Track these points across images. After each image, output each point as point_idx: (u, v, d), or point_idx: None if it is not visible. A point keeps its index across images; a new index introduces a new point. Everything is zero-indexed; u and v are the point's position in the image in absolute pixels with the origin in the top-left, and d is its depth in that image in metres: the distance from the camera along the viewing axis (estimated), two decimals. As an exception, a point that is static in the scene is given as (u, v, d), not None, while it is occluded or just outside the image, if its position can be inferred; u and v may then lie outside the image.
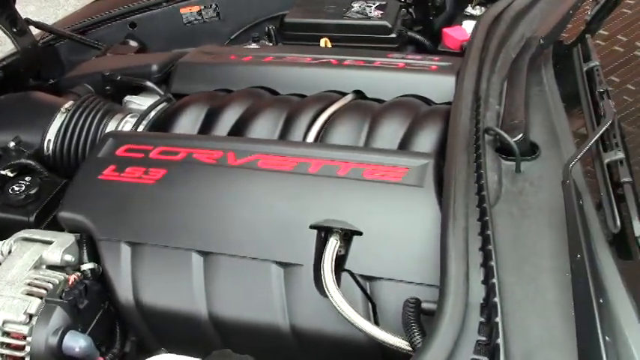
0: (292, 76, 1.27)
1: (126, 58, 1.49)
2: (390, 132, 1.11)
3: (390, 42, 1.55)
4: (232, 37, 1.77)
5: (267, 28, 1.68)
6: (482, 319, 0.70)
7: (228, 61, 1.33)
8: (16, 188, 1.09)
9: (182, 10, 1.77)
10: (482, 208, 0.81)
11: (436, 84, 1.22)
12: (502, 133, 0.90)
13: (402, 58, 1.31)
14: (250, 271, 0.90)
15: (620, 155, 0.84)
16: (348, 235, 0.90)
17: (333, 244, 0.89)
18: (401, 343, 0.77)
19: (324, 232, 0.91)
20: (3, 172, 1.15)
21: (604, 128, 0.87)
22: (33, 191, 1.08)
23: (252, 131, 1.14)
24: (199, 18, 1.78)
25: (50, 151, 1.22)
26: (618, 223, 0.77)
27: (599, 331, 0.62)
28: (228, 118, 1.17)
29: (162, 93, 1.29)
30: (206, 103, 1.21)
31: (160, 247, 0.94)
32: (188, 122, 1.18)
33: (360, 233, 0.90)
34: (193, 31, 1.78)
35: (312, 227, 0.91)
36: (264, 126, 1.14)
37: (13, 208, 1.07)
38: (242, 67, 1.31)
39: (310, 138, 1.12)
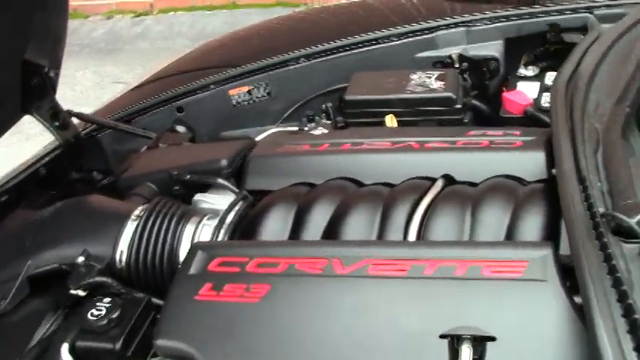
0: (375, 164, 1.21)
1: (189, 152, 1.42)
2: (495, 220, 1.04)
3: (456, 113, 1.49)
4: (285, 115, 1.72)
5: (324, 106, 1.62)
6: None
7: (304, 151, 1.26)
8: (96, 312, 1.01)
9: (231, 92, 1.72)
10: (627, 304, 0.74)
11: (526, 161, 1.17)
12: (623, 217, 0.83)
13: (484, 135, 1.25)
14: None
15: None
16: (480, 341, 0.83)
17: (467, 352, 0.81)
18: None
19: (455, 340, 0.83)
20: (74, 292, 1.07)
21: None
22: (115, 315, 1.00)
23: (349, 232, 1.07)
24: (249, 98, 1.72)
25: (124, 264, 1.14)
26: None
27: None
28: (320, 218, 1.10)
29: (237, 191, 1.22)
30: (292, 202, 1.14)
31: None
32: (276, 226, 1.11)
33: (493, 339, 0.82)
34: (242, 111, 1.73)
35: (442, 337, 0.83)
36: (360, 224, 1.07)
37: (95, 335, 0.98)
38: (319, 157, 1.24)
39: (412, 234, 1.04)
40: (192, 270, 0.98)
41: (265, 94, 1.73)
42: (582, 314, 0.81)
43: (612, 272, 0.79)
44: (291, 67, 1.72)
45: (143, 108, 1.71)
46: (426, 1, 2.12)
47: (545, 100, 1.53)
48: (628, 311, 0.74)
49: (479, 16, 1.71)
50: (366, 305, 0.89)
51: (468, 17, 1.71)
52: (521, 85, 1.64)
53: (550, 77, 1.59)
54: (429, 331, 0.85)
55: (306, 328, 0.89)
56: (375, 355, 0.86)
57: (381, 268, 0.92)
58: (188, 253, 1.03)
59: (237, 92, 1.73)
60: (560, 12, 1.69)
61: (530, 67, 1.69)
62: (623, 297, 0.76)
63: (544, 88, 1.58)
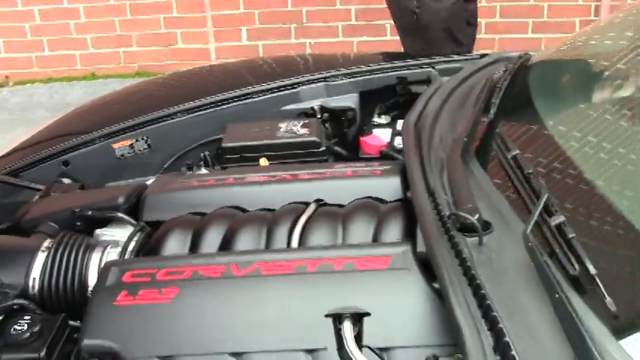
0: (256, 194, 1.40)
1: (85, 195, 1.54)
2: (362, 230, 1.26)
3: (321, 155, 1.71)
4: (165, 165, 1.88)
5: (202, 155, 1.81)
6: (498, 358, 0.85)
7: (193, 186, 1.44)
8: (18, 328, 1.11)
9: (114, 145, 1.86)
10: (470, 275, 0.98)
11: (385, 185, 1.40)
12: (465, 214, 1.08)
13: (348, 167, 1.49)
14: None
15: (562, 218, 1.04)
16: (358, 317, 1.03)
17: (348, 326, 1.01)
18: None
19: (338, 318, 1.03)
20: None
21: (544, 198, 1.07)
22: (36, 328, 1.11)
23: (240, 246, 1.24)
24: (131, 151, 1.87)
25: (36, 290, 1.24)
26: (577, 266, 0.96)
27: (590, 345, 0.80)
28: (214, 237, 1.27)
29: (134, 223, 1.37)
30: (188, 226, 1.30)
31: (193, 357, 1.01)
32: (176, 247, 1.26)
33: (368, 314, 1.03)
34: (125, 163, 1.87)
35: (327, 316, 1.02)
36: (250, 240, 1.25)
37: (19, 347, 1.08)
38: (207, 190, 1.42)
39: (294, 244, 1.24)
40: (108, 283, 1.12)
41: (146, 147, 1.88)
42: (439, 295, 1.02)
43: (460, 259, 1.02)
44: (170, 121, 1.89)
45: (29, 163, 1.80)
46: (279, 60, 2.40)
47: (397, 142, 1.76)
48: (476, 290, 0.95)
49: (336, 72, 1.98)
50: (261, 298, 1.07)
51: (326, 74, 1.97)
52: (375, 132, 1.86)
53: (401, 124, 1.81)
54: (316, 313, 1.03)
55: (212, 321, 1.05)
56: (272, 337, 1.03)
57: (271, 268, 1.11)
58: (101, 271, 1.17)
59: (121, 146, 1.87)
60: (407, 67, 1.99)
61: (383, 116, 1.94)
62: (472, 279, 0.97)
63: (396, 133, 1.82)
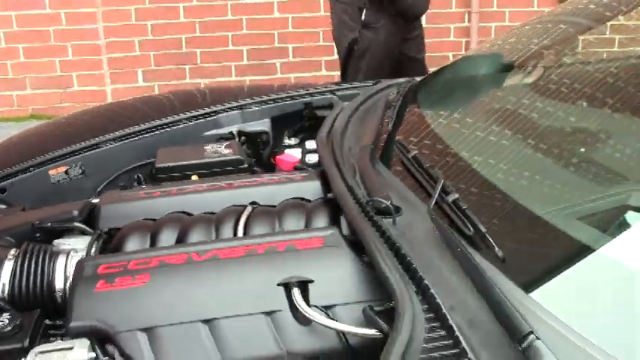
0: (198, 201, 1.61)
1: (41, 211, 1.68)
2: (294, 221, 1.50)
3: (243, 171, 1.94)
4: (99, 189, 2.04)
5: (136, 176, 1.99)
6: (426, 306, 1.10)
7: (142, 197, 1.63)
8: (1, 323, 1.26)
9: (50, 172, 2.01)
10: (391, 243, 1.24)
11: (307, 188, 1.65)
12: (381, 199, 1.35)
13: (274, 175, 1.73)
14: (246, 324, 1.21)
15: (456, 195, 1.33)
16: (304, 285, 1.26)
17: (297, 291, 1.24)
18: (375, 333, 1.14)
19: (287, 286, 1.26)
20: None
21: (440, 183, 1.36)
22: (18, 322, 1.26)
23: (193, 240, 1.45)
24: (66, 177, 2.03)
25: (7, 294, 1.39)
26: (471, 228, 1.24)
27: (486, 278, 1.07)
28: (169, 235, 1.46)
29: (92, 231, 1.54)
30: (145, 228, 1.49)
31: (170, 326, 1.20)
32: (137, 245, 1.45)
33: (312, 281, 1.26)
34: (61, 189, 2.02)
35: (278, 285, 1.25)
36: (200, 235, 1.46)
37: (2, 340, 1.22)
38: (155, 200, 1.61)
39: (240, 235, 1.46)
40: (85, 275, 1.29)
41: (81, 173, 2.04)
42: (368, 264, 1.27)
43: (381, 232, 1.28)
44: (103, 148, 2.06)
45: None
46: (178, 95, 2.62)
47: (308, 159, 2.01)
48: (397, 253, 1.21)
49: (251, 101, 2.23)
50: (222, 277, 1.28)
51: (242, 102, 2.22)
52: (287, 151, 2.10)
53: (309, 144, 2.08)
54: (269, 284, 1.26)
55: (182, 297, 1.24)
56: (236, 305, 1.24)
57: (227, 254, 1.32)
58: (75, 268, 1.34)
59: (56, 172, 2.02)
60: (312, 94, 2.28)
61: (292, 138, 2.21)
62: (393, 245, 1.23)
63: (306, 151, 2.07)
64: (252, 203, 1.60)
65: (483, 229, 1.21)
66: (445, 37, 5.43)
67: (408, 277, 1.17)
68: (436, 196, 1.32)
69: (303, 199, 1.62)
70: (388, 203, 1.34)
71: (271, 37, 5.38)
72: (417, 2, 3.60)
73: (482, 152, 1.57)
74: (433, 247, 1.24)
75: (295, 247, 1.34)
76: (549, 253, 1.26)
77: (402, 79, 2.32)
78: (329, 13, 3.75)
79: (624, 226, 1.23)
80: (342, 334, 1.21)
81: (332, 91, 2.31)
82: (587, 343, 0.95)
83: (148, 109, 2.37)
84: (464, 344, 1.01)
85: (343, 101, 2.20)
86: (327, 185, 1.60)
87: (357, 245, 1.33)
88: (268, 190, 1.65)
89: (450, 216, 1.30)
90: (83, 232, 1.56)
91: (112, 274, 1.28)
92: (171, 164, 1.92)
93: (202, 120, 2.18)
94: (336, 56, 3.86)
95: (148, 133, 2.12)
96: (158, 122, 2.14)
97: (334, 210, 1.51)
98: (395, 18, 3.52)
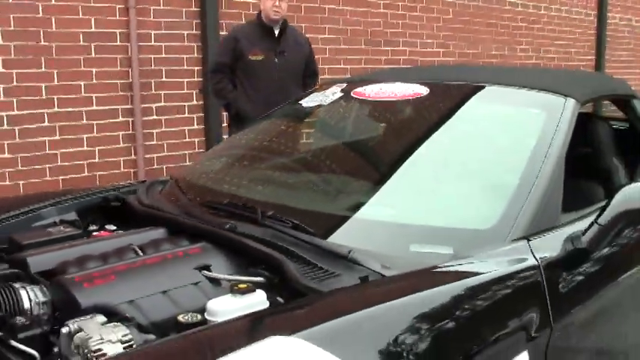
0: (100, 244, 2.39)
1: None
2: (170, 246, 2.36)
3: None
4: None
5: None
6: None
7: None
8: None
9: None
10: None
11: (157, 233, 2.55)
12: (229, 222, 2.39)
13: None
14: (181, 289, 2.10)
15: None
16: (208, 267, 2.17)
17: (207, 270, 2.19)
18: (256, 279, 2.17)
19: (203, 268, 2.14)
20: None
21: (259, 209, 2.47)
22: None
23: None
24: None
25: None
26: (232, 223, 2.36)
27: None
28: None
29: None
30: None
31: (140, 299, 1.99)
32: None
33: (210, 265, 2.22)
34: None
35: (194, 269, 2.17)
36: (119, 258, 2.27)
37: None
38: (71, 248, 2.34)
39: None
40: (68, 284, 2.02)
41: None
42: (238, 256, 2.28)
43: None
44: None
45: None
46: None
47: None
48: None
49: (47, 202, 2.74)
50: (151, 271, 2.14)
51: (36, 205, 2.72)
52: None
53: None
54: (188, 270, 2.17)
55: (136, 284, 2.07)
56: (168, 284, 2.09)
57: (145, 262, 2.20)
58: (54, 284, 2.04)
59: None
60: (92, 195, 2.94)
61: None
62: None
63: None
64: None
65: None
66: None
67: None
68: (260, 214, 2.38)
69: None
70: (231, 223, 2.37)
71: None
72: None
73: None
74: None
75: (180, 254, 2.25)
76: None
77: (162, 178, 3.32)
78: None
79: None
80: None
81: (115, 188, 3.17)
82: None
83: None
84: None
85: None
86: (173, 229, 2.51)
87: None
88: (141, 237, 2.47)
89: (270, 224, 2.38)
90: None
91: (89, 278, 2.05)
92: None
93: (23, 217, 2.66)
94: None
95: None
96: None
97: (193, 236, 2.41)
98: None
